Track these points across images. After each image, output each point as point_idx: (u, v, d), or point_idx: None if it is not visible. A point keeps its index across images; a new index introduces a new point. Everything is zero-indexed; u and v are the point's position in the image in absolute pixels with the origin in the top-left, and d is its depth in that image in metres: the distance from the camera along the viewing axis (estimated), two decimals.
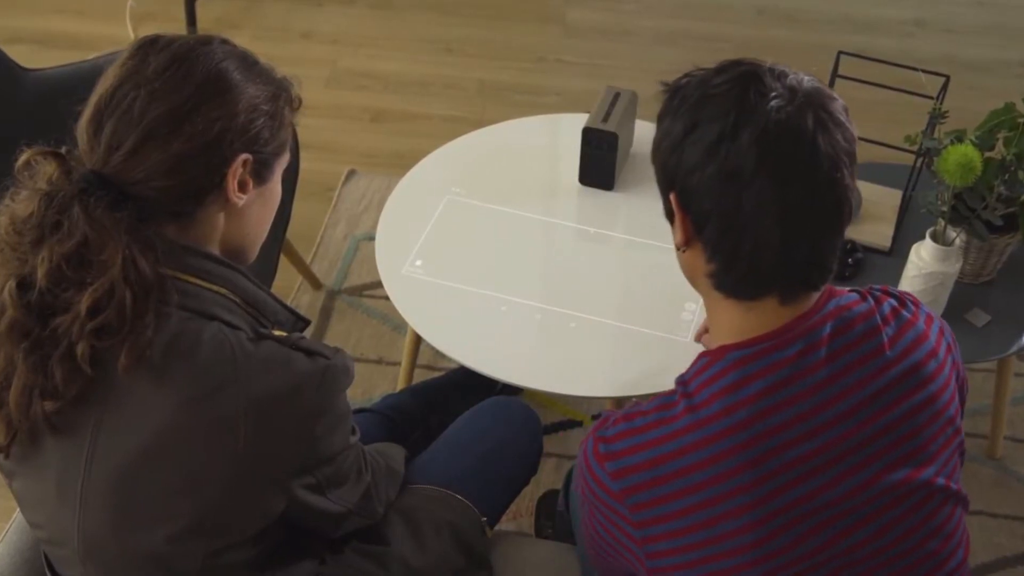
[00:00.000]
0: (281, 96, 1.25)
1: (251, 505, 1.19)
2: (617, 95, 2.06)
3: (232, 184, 1.19)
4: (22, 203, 1.12)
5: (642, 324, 1.79)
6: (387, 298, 1.85)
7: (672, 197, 1.14)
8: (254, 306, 1.22)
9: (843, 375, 1.11)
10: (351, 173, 2.92)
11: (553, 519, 2.00)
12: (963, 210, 1.76)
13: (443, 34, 3.42)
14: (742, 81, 1.10)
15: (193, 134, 1.14)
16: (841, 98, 1.13)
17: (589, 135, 2.00)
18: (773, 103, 1.07)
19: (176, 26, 3.17)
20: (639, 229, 1.97)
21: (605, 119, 2.01)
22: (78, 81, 2.31)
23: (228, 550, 1.20)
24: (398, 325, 2.47)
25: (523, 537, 1.88)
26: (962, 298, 1.87)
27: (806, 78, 1.12)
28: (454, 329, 1.80)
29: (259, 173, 1.23)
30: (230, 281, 1.20)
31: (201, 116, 1.15)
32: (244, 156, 1.19)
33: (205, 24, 3.27)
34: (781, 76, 1.11)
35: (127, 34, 3.31)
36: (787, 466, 1.09)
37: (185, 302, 1.15)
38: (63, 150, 1.15)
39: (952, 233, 1.75)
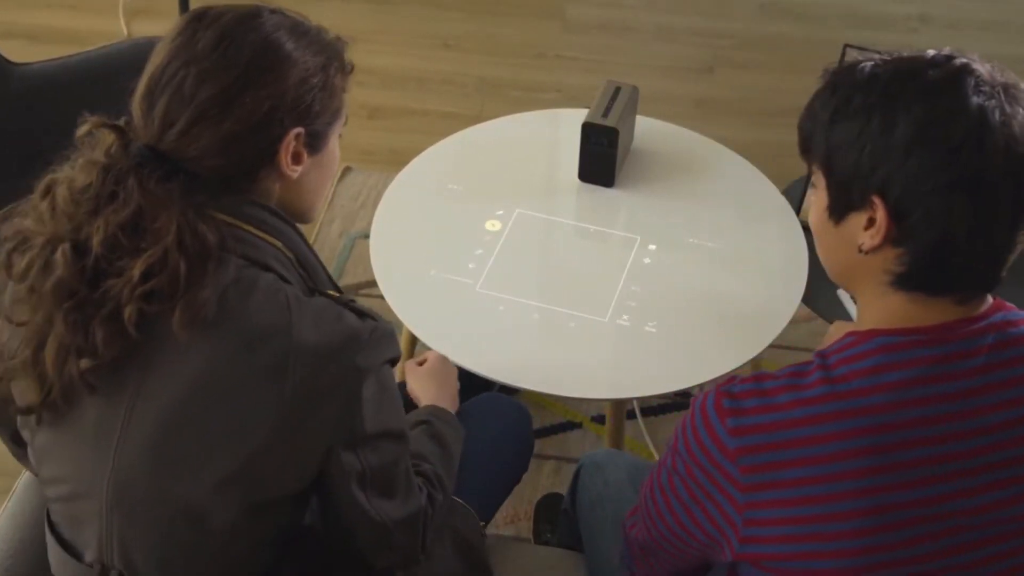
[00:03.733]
0: (332, 65, 1.24)
1: (291, 460, 1.17)
2: (618, 90, 2.02)
3: (285, 159, 1.19)
4: (80, 173, 1.13)
5: (643, 324, 1.75)
6: (383, 297, 1.81)
7: (877, 200, 1.08)
8: (305, 268, 1.22)
9: (999, 388, 1.08)
10: (347, 170, 2.88)
11: (553, 523, 1.96)
12: None
13: (441, 29, 3.38)
14: (961, 80, 1.06)
15: (243, 115, 1.15)
16: None
17: (589, 130, 1.96)
18: (1004, 111, 1.05)
19: (169, 21, 3.13)
20: (640, 227, 1.93)
21: (605, 114, 1.96)
22: (66, 76, 2.28)
23: (266, 508, 1.18)
24: (394, 324, 2.43)
25: (522, 542, 1.85)
26: None
27: (999, 75, 1.08)
28: (450, 329, 1.76)
29: (313, 144, 1.23)
30: (284, 234, 1.20)
31: (251, 96, 1.15)
32: (296, 130, 1.19)
33: None
34: (992, 78, 1.07)
35: (120, 29, 3.27)
36: (913, 463, 1.06)
37: (243, 250, 1.15)
38: (122, 121, 1.16)
39: None
